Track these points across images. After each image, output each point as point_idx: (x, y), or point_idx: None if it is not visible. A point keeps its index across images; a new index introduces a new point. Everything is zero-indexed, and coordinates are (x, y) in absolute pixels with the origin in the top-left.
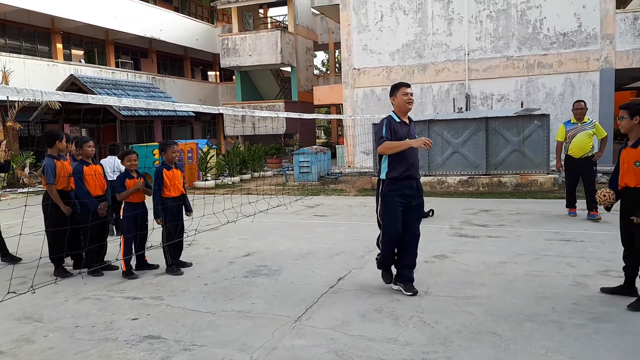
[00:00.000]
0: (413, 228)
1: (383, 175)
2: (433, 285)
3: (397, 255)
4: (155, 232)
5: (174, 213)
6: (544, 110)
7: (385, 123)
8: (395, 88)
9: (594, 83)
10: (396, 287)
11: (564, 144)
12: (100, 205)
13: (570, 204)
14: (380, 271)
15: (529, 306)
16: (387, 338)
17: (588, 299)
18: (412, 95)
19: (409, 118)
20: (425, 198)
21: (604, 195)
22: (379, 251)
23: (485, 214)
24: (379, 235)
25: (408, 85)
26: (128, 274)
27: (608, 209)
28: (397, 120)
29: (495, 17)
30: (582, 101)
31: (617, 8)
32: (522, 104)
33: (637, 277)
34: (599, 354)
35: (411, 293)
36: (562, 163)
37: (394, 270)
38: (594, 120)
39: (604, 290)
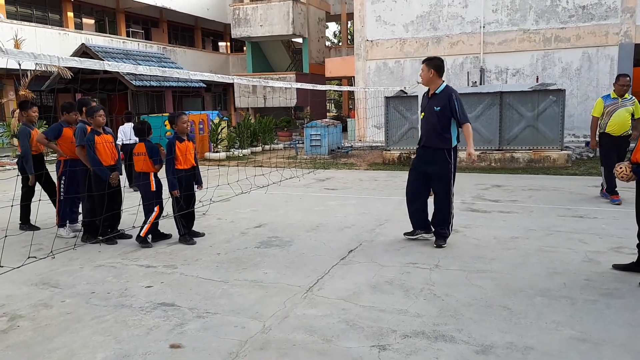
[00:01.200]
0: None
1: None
2: (444, 259)
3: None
4: (168, 203)
5: (185, 184)
6: (560, 85)
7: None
8: (423, 62)
9: (612, 58)
10: (424, 237)
11: (600, 120)
12: (112, 175)
13: (611, 189)
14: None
15: (540, 281)
16: (397, 309)
17: (600, 275)
18: (422, 71)
19: (435, 89)
20: None
21: (621, 168)
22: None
23: (497, 189)
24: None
25: (427, 60)
26: (144, 241)
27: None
28: (426, 92)
29: None
30: (627, 75)
31: None
32: (537, 79)
33: None
34: (610, 329)
35: (436, 245)
36: (597, 140)
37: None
38: (634, 97)
39: (616, 266)
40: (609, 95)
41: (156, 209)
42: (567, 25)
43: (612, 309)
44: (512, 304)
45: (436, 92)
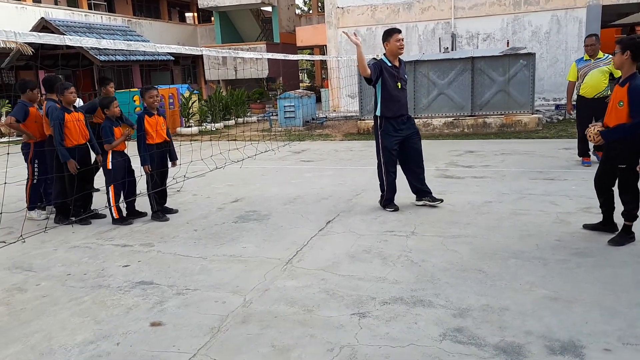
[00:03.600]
0: (415, 147)
1: (379, 113)
2: (420, 225)
3: (410, 178)
4: (140, 180)
5: (157, 160)
6: (530, 49)
7: (375, 66)
8: (388, 34)
9: (580, 20)
10: (421, 203)
11: (577, 83)
12: (69, 164)
13: (583, 152)
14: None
15: (513, 244)
16: (376, 277)
17: (570, 236)
18: (403, 41)
19: (399, 60)
20: None
21: (590, 129)
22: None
23: (470, 155)
24: (381, 174)
25: (400, 31)
26: (121, 219)
27: (600, 147)
28: (389, 64)
29: None
30: (594, 35)
31: None
32: (507, 43)
33: (614, 211)
34: (581, 287)
35: (439, 201)
36: (573, 104)
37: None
38: (609, 56)
39: (586, 226)
40: (582, 57)
41: (110, 189)
42: None
43: (582, 268)
44: (487, 267)
45: (401, 62)
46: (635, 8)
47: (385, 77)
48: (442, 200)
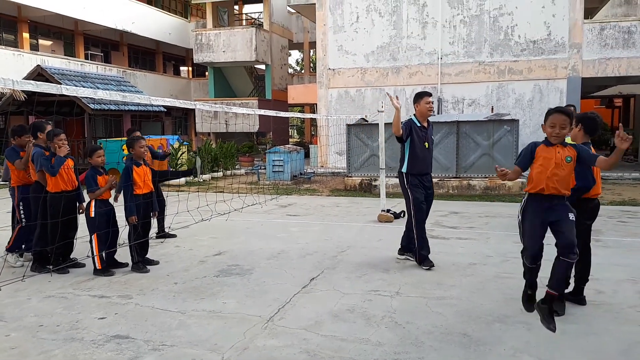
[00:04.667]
0: (428, 206)
1: (405, 170)
2: (404, 286)
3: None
4: (123, 231)
5: (143, 211)
6: (514, 115)
7: (406, 126)
8: (419, 96)
9: (561, 90)
10: (403, 257)
11: None
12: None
13: None
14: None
15: (498, 307)
16: (359, 338)
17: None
18: (432, 104)
19: (428, 121)
20: (396, 199)
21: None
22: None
23: (455, 216)
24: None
25: (430, 95)
26: (104, 271)
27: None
28: (418, 124)
29: (468, 22)
30: (572, 105)
31: (585, 18)
32: (492, 109)
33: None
34: (566, 354)
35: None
36: None
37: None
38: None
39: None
40: None
41: (93, 237)
42: (519, 58)
43: (567, 335)
44: (472, 330)
45: (429, 123)
46: (613, 81)
47: (414, 137)
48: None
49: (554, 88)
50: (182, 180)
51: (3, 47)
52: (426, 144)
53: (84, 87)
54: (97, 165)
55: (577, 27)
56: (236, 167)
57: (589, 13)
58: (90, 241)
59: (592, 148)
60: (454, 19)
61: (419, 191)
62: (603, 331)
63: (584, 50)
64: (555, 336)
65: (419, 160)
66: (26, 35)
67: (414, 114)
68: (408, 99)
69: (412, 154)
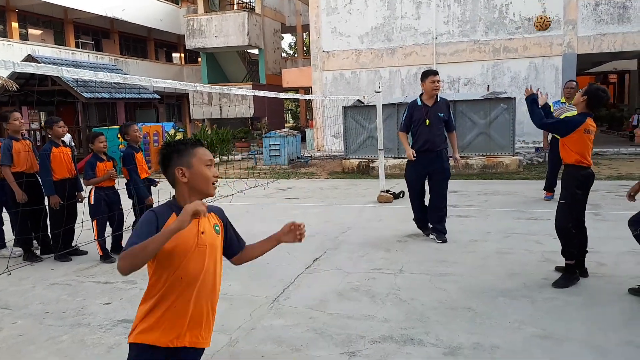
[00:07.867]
0: (436, 187)
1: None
2: (407, 263)
3: (429, 213)
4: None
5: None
6: (510, 93)
7: (407, 110)
8: (425, 75)
9: (556, 67)
10: (431, 237)
11: None
12: (51, 199)
13: (549, 188)
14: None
15: (500, 282)
16: (365, 315)
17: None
18: (439, 82)
19: (435, 99)
20: (395, 180)
21: None
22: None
23: (454, 194)
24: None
25: (436, 73)
26: (106, 257)
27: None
28: (419, 104)
29: (462, 1)
30: (574, 81)
31: None
32: (488, 88)
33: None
34: (570, 325)
35: (440, 241)
36: (549, 143)
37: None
38: None
39: (558, 269)
40: (559, 100)
41: (93, 224)
42: (514, 36)
43: (571, 306)
44: (476, 305)
45: (437, 101)
46: (608, 57)
47: (414, 116)
48: (444, 241)
49: (549, 65)
50: None
51: None
52: (427, 121)
53: (84, 70)
54: (99, 151)
55: (572, 4)
56: (232, 152)
57: None
58: (92, 227)
59: (591, 119)
60: None
61: (412, 170)
62: (606, 302)
63: (579, 27)
64: (558, 308)
65: (419, 137)
66: (15, 24)
67: (421, 94)
68: (403, 79)
69: (413, 131)
